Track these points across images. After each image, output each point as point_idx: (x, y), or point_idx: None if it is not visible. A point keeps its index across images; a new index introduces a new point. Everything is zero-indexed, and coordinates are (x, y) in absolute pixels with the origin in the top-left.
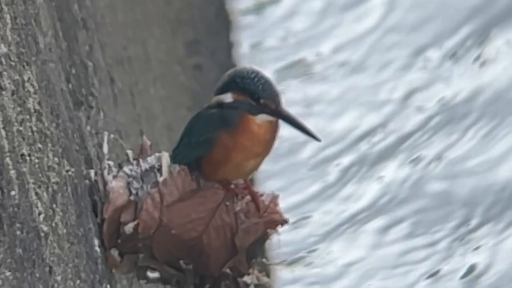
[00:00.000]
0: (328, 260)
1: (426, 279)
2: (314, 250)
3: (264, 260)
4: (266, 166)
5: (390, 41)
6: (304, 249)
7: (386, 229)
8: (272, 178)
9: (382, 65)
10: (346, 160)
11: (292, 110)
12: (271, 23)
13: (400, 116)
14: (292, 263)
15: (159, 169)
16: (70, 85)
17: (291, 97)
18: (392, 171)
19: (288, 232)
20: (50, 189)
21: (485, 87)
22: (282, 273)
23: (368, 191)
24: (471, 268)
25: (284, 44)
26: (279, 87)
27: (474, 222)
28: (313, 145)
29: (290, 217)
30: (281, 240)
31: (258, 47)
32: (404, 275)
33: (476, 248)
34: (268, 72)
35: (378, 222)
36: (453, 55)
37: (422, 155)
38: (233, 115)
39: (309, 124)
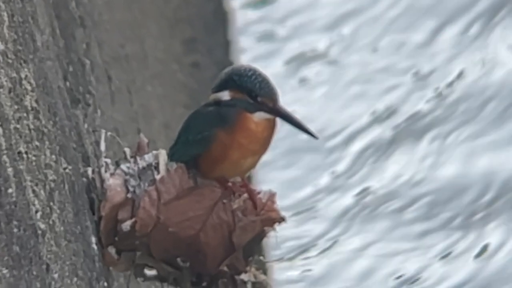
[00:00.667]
0: (343, 243)
1: (440, 260)
2: (329, 235)
3: (261, 257)
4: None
5: (405, 22)
6: (319, 234)
7: (401, 211)
8: (287, 164)
9: (397, 46)
10: (361, 143)
11: (309, 93)
12: (285, 11)
13: (415, 97)
14: (306, 250)
15: (157, 167)
16: (67, 83)
17: (306, 82)
18: (408, 153)
19: (308, 215)
20: (47, 187)
21: (500, 66)
22: (290, 266)
23: (383, 174)
24: (485, 248)
25: (298, 29)
26: (300, 72)
27: (488, 202)
28: (328, 128)
29: (306, 202)
30: (299, 225)
31: (272, 34)
32: (418, 257)
33: (491, 228)
34: (281, 60)
35: (393, 205)
36: (468, 35)
37: (437, 135)
38: (230, 113)
39: (324, 107)
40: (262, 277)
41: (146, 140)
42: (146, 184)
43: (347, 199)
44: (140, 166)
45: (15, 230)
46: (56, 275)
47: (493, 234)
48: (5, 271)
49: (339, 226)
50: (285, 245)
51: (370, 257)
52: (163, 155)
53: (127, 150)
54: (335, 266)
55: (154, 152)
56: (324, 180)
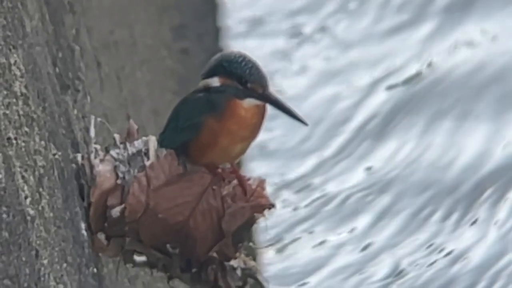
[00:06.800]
0: (322, 239)
1: (427, 252)
2: (309, 229)
3: (250, 244)
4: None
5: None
6: (299, 227)
7: (387, 201)
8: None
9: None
10: (347, 130)
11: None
12: None
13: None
14: (287, 243)
15: (146, 153)
16: (56, 69)
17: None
18: (386, 146)
19: (289, 206)
20: (36, 173)
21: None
22: (271, 254)
23: (365, 164)
24: (467, 244)
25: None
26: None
27: (473, 191)
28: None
29: (291, 191)
30: (275, 219)
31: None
32: (404, 249)
33: (475, 220)
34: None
35: (379, 195)
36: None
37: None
38: (220, 99)
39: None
40: (251, 263)
41: (135, 126)
42: (136, 170)
43: (328, 191)
44: (130, 152)
45: (4, 216)
46: (45, 261)
47: (473, 229)
48: None
49: (321, 219)
50: (273, 231)
51: (355, 247)
52: (152, 141)
53: (116, 136)
54: (324, 253)
55: (144, 138)
56: (307, 169)
